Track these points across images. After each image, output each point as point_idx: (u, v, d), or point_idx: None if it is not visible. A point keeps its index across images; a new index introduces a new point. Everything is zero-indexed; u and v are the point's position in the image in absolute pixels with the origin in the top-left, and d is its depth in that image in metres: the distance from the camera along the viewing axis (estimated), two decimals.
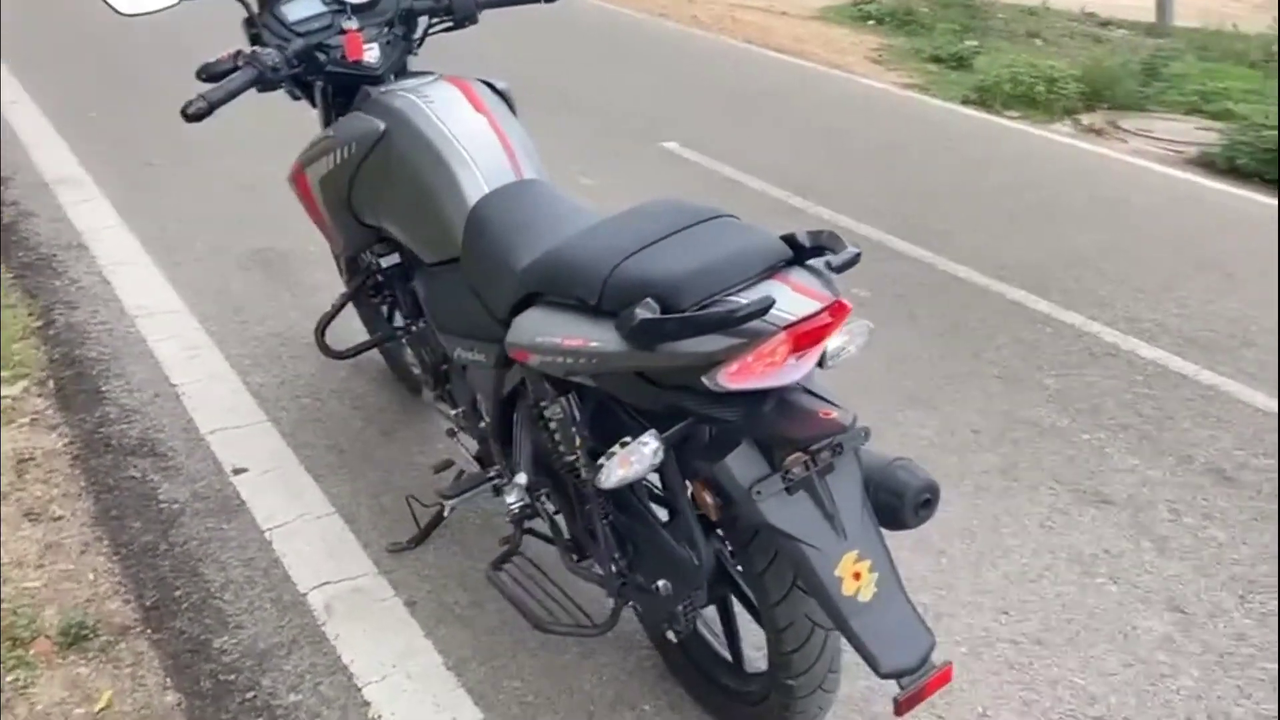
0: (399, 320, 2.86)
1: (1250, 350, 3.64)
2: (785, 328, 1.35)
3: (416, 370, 2.37)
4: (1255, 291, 4.15)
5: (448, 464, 2.33)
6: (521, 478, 1.88)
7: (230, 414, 2.91)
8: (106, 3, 2.07)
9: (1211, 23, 10.53)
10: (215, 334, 3.31)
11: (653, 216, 1.63)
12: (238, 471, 2.67)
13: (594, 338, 1.51)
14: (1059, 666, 2.20)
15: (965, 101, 7.53)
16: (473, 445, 2.33)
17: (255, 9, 2.27)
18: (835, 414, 1.42)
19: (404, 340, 2.43)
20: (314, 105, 2.47)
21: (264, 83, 2.15)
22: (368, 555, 2.41)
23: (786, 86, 7.49)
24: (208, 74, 2.23)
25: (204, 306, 3.48)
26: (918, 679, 1.47)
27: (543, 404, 1.81)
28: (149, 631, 2.21)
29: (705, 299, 1.43)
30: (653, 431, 1.51)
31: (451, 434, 2.39)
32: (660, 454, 1.51)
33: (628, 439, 1.52)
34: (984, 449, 2.95)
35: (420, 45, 2.44)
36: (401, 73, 2.38)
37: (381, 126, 2.07)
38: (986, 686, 2.13)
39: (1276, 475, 2.86)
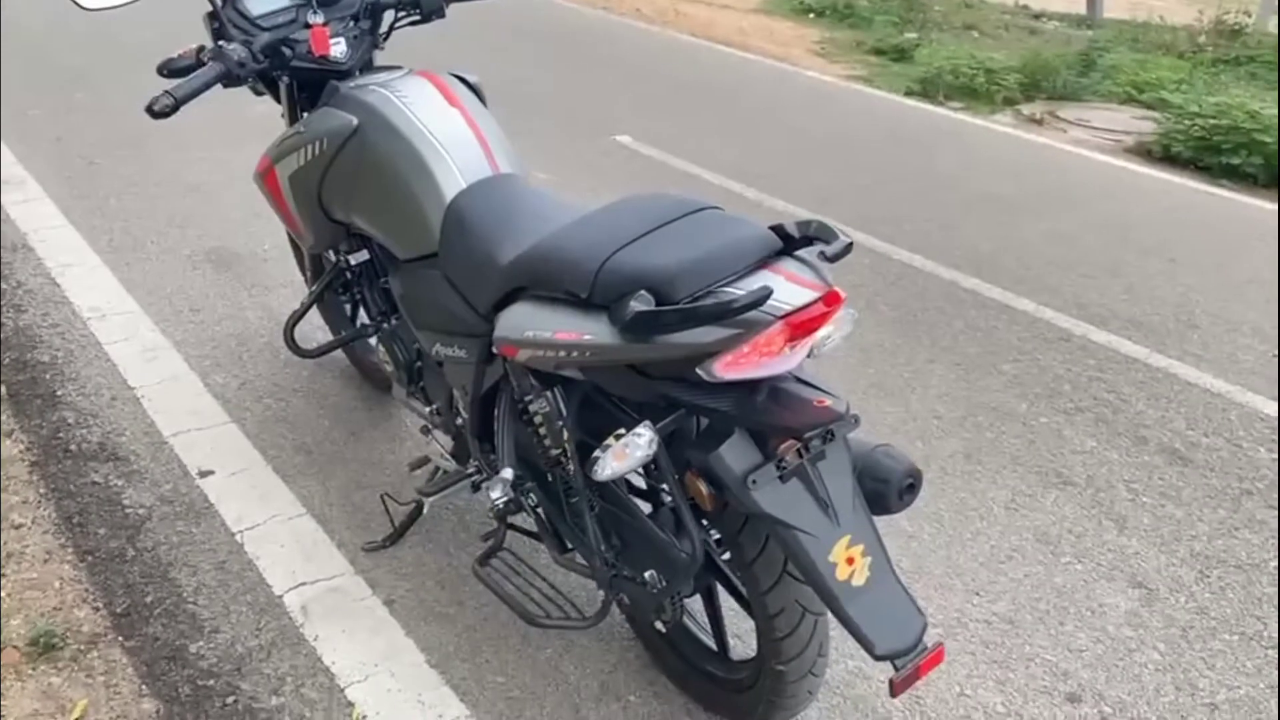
0: (365, 318, 2.86)
1: (1195, 333, 3.74)
2: (782, 317, 1.36)
3: (389, 368, 2.35)
4: (1195, 276, 4.28)
5: (423, 461, 2.32)
6: (508, 472, 1.87)
7: (193, 416, 2.86)
8: None
9: (1139, 15, 10.81)
10: (172, 335, 3.25)
11: (639, 210, 1.64)
12: (204, 474, 2.62)
13: (587, 331, 1.52)
14: (1031, 644, 2.25)
15: (908, 93, 7.64)
16: (447, 442, 2.32)
17: (219, 3, 2.23)
18: (829, 402, 1.44)
19: (374, 338, 2.41)
20: (278, 101, 2.44)
21: (229, 78, 2.12)
22: (343, 555, 2.39)
23: (734, 79, 7.53)
24: (169, 70, 2.20)
25: (159, 307, 3.41)
26: (911, 660, 1.50)
27: (527, 399, 1.81)
28: (121, 639, 2.17)
29: (699, 291, 1.44)
30: (646, 423, 1.52)
31: (425, 431, 2.37)
32: (654, 445, 1.52)
33: (622, 431, 1.53)
34: (947, 434, 3.00)
35: (386, 39, 2.42)
36: (367, 68, 2.36)
37: (354, 122, 2.05)
38: (962, 666, 2.18)
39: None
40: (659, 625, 1.91)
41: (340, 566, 2.35)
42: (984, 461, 2.88)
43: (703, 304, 1.39)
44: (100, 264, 3.68)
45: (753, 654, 1.97)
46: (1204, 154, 6.10)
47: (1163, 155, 6.30)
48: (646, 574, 1.78)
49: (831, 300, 1.39)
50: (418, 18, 2.40)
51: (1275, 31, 10.08)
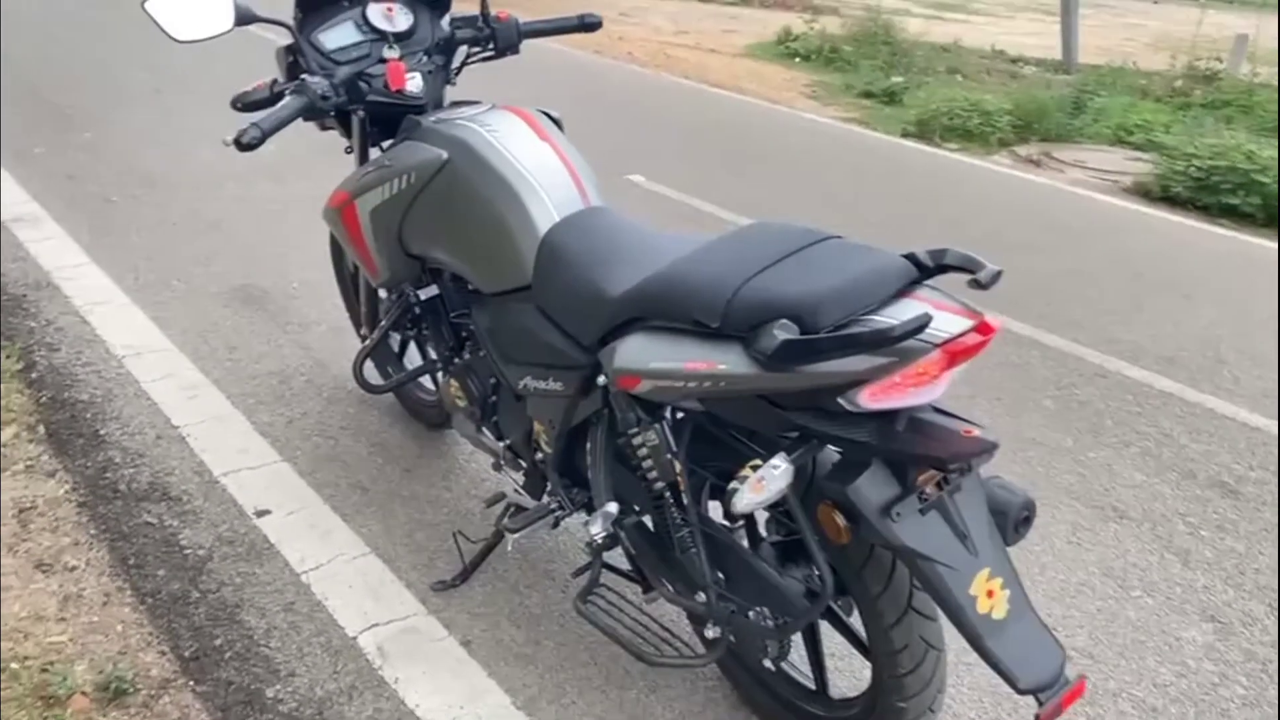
0: (414, 355, 2.83)
1: (1224, 368, 3.78)
2: (939, 345, 1.36)
3: (460, 403, 2.31)
4: (1213, 312, 4.34)
5: (499, 497, 2.28)
6: (612, 507, 1.84)
7: (242, 455, 2.80)
8: (161, 28, 2.00)
9: (1113, 60, 11.05)
10: (210, 373, 3.20)
11: (762, 239, 1.63)
12: (261, 514, 2.57)
13: (720, 361, 1.50)
14: (1115, 679, 2.23)
15: (905, 134, 7.74)
16: (518, 477, 2.29)
17: (298, 37, 2.22)
18: (977, 432, 1.43)
19: (446, 373, 2.37)
20: (346, 136, 2.42)
21: (311, 111, 2.10)
22: (413, 595, 2.34)
23: (736, 121, 7.60)
24: (243, 103, 2.19)
25: (194, 345, 3.36)
26: (1055, 694, 1.48)
27: (631, 431, 1.79)
28: (192, 683, 2.11)
29: (842, 319, 1.43)
30: (781, 454, 1.50)
31: (498, 467, 2.34)
32: (789, 476, 1.51)
33: (757, 462, 1.51)
34: (1000, 469, 2.99)
35: (458, 75, 2.42)
36: (437, 104, 2.35)
37: (444, 155, 2.03)
38: None
39: (1277, 486, 2.96)
40: (767, 663, 1.88)
41: (412, 606, 2.30)
42: (1040, 495, 2.85)
43: (859, 331, 1.38)
44: (129, 302, 3.62)
45: (853, 693, 1.95)
46: (1202, 194, 6.22)
47: (1161, 195, 6.40)
48: (757, 610, 1.75)
49: (984, 329, 1.38)
50: (491, 53, 2.40)
51: (1244, 77, 10.31)
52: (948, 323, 1.36)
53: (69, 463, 2.76)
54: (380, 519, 2.59)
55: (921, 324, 1.33)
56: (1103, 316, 4.19)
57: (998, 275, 1.42)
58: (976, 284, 1.42)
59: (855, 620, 1.79)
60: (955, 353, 1.36)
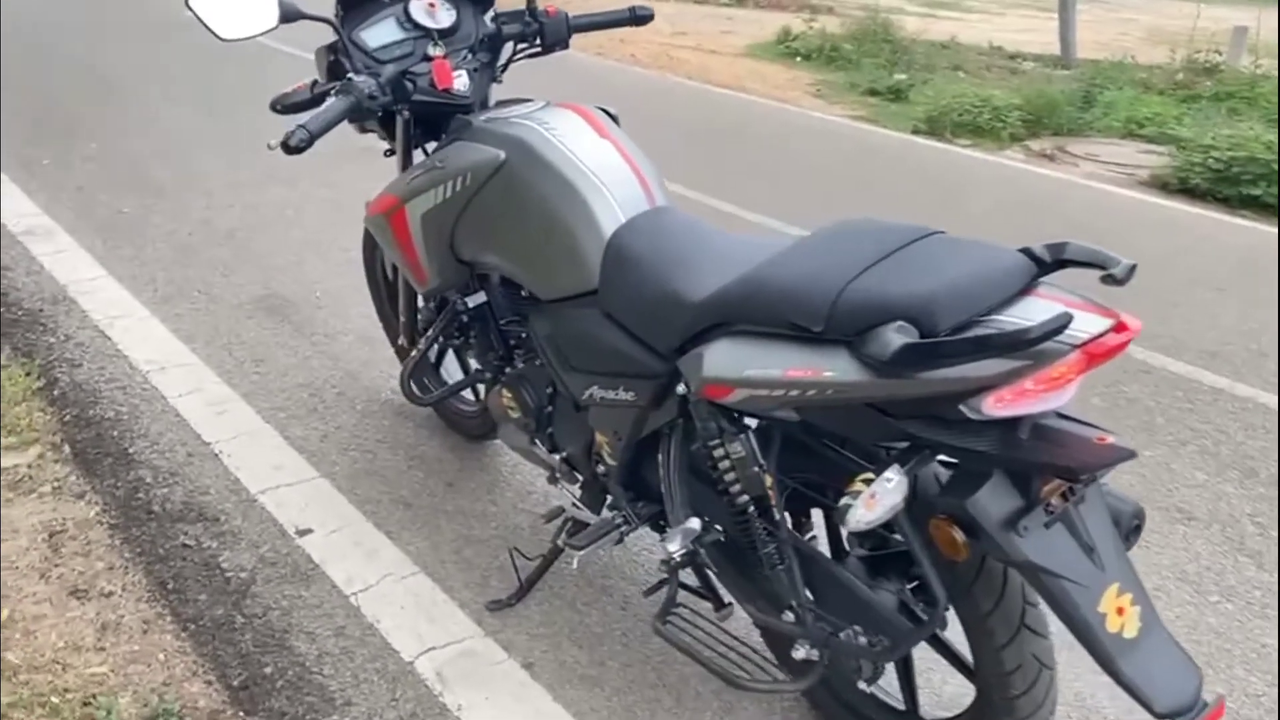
0: (465, 363, 2.74)
1: (1269, 361, 3.70)
2: (1079, 346, 1.26)
3: (513, 414, 2.22)
4: (1248, 305, 4.25)
5: (558, 512, 2.18)
6: (694, 523, 1.75)
7: (278, 471, 2.70)
8: (207, 27, 1.91)
9: (1111, 55, 11.00)
10: (238, 387, 3.10)
11: (858, 236, 1.54)
12: (302, 533, 2.47)
13: (826, 367, 1.40)
14: (1207, 691, 2.14)
15: (915, 131, 7.66)
16: (577, 491, 2.19)
17: (342, 36, 2.13)
18: (1111, 439, 1.34)
19: (497, 383, 2.27)
20: (386, 138, 2.33)
21: (358, 111, 2.01)
22: (467, 615, 2.24)
23: (745, 120, 7.51)
24: (283, 105, 2.10)
25: (219, 358, 3.26)
26: (1194, 717, 1.39)
27: (712, 443, 1.70)
28: (243, 714, 2.01)
29: (964, 320, 1.34)
30: (895, 467, 1.41)
31: (553, 480, 2.25)
32: (904, 491, 1.41)
33: (869, 475, 1.41)
34: None
35: (504, 72, 2.32)
36: (484, 103, 2.26)
37: (501, 155, 1.94)
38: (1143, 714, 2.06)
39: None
40: (862, 685, 1.78)
41: (467, 628, 2.20)
42: None
43: (990, 333, 1.29)
44: (149, 315, 3.52)
45: (945, 712, 1.86)
46: (1222, 185, 6.15)
47: (1180, 187, 6.33)
48: (851, 629, 1.66)
49: (1122, 328, 1.29)
50: (539, 49, 2.31)
51: (1245, 69, 10.27)
52: (1085, 322, 1.27)
53: (98, 483, 2.65)
54: (427, 536, 2.49)
55: (1062, 324, 1.24)
56: (1139, 310, 4.05)
57: (1133, 270, 1.33)
58: (1112, 280, 1.33)
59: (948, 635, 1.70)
60: (1095, 354, 1.27)
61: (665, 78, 8.92)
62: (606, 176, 1.90)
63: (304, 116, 1.94)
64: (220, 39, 1.92)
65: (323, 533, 2.48)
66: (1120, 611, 1.40)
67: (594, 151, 1.93)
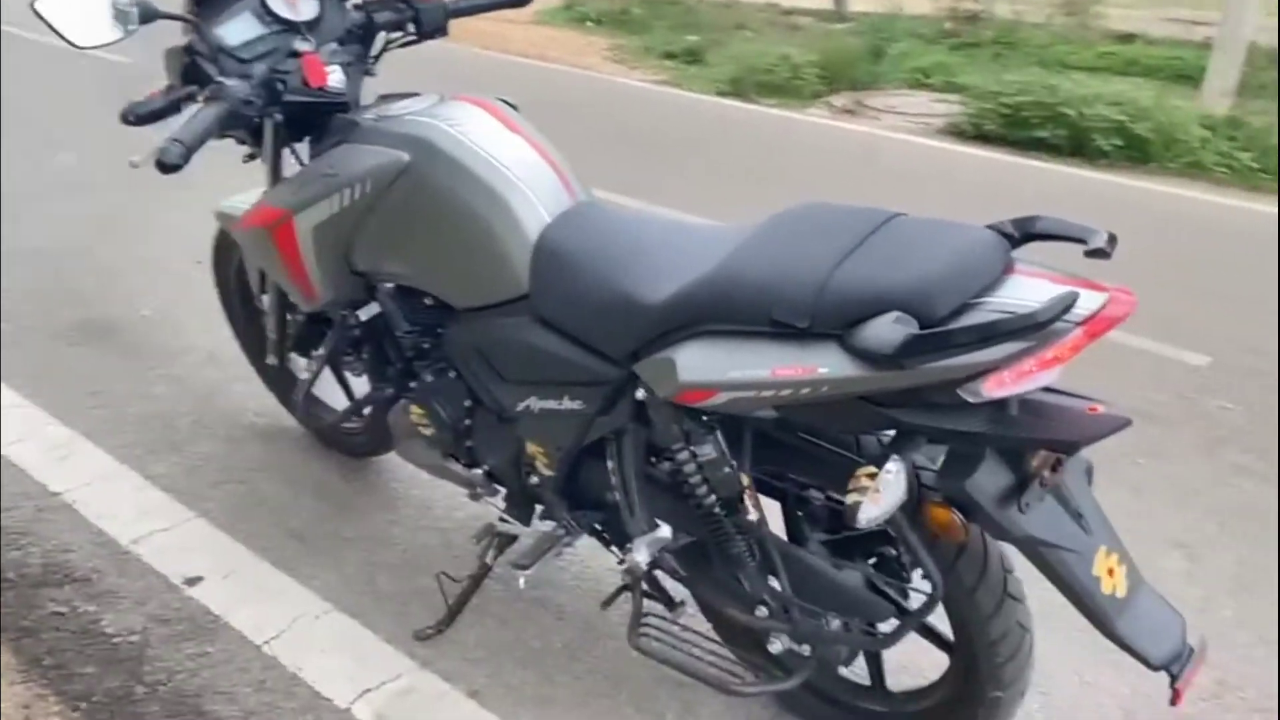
0: (343, 379, 2.55)
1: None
2: (1080, 324, 1.27)
3: (426, 430, 2.07)
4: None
5: (490, 530, 2.07)
6: (665, 530, 1.69)
7: (147, 517, 2.45)
8: (58, 33, 1.66)
9: (881, 6, 11.49)
10: (78, 426, 2.78)
11: (821, 224, 1.50)
12: (192, 581, 2.25)
13: (819, 363, 1.36)
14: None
15: (721, 93, 7.76)
16: (501, 504, 2.09)
17: (197, 35, 1.90)
18: (1102, 408, 1.36)
19: (405, 398, 2.12)
20: (249, 143, 2.11)
21: (233, 119, 1.81)
22: (397, 649, 2.10)
23: (558, 89, 7.39)
24: (136, 116, 1.85)
25: (48, 396, 2.92)
26: (1186, 665, 1.45)
27: (675, 447, 1.63)
28: None
29: (958, 305, 1.32)
30: (895, 458, 1.39)
31: (476, 497, 2.12)
32: (904, 480, 1.39)
33: (873, 470, 1.38)
34: None
35: (376, 64, 2.15)
36: (356, 101, 2.08)
37: (405, 158, 1.78)
38: None
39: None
40: (841, 669, 1.77)
41: (400, 663, 2.06)
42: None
43: (998, 318, 1.27)
44: None
45: (919, 684, 1.88)
46: (1013, 129, 6.52)
47: (975, 134, 6.68)
48: (830, 619, 1.64)
49: (1126, 295, 1.30)
50: (414, 38, 2.14)
51: (1003, 16, 10.93)
52: (1083, 298, 1.27)
53: None
54: (331, 568, 2.32)
55: (1069, 303, 1.24)
56: None
57: (1114, 240, 1.34)
58: (1099, 253, 1.34)
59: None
60: (1096, 330, 1.27)
61: (467, 49, 8.64)
62: (524, 173, 1.79)
63: (167, 127, 1.73)
64: (75, 47, 1.68)
65: (215, 579, 2.26)
66: (1111, 573, 1.43)
67: (507, 147, 1.81)
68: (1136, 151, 6.20)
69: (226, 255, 2.61)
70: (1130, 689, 2.05)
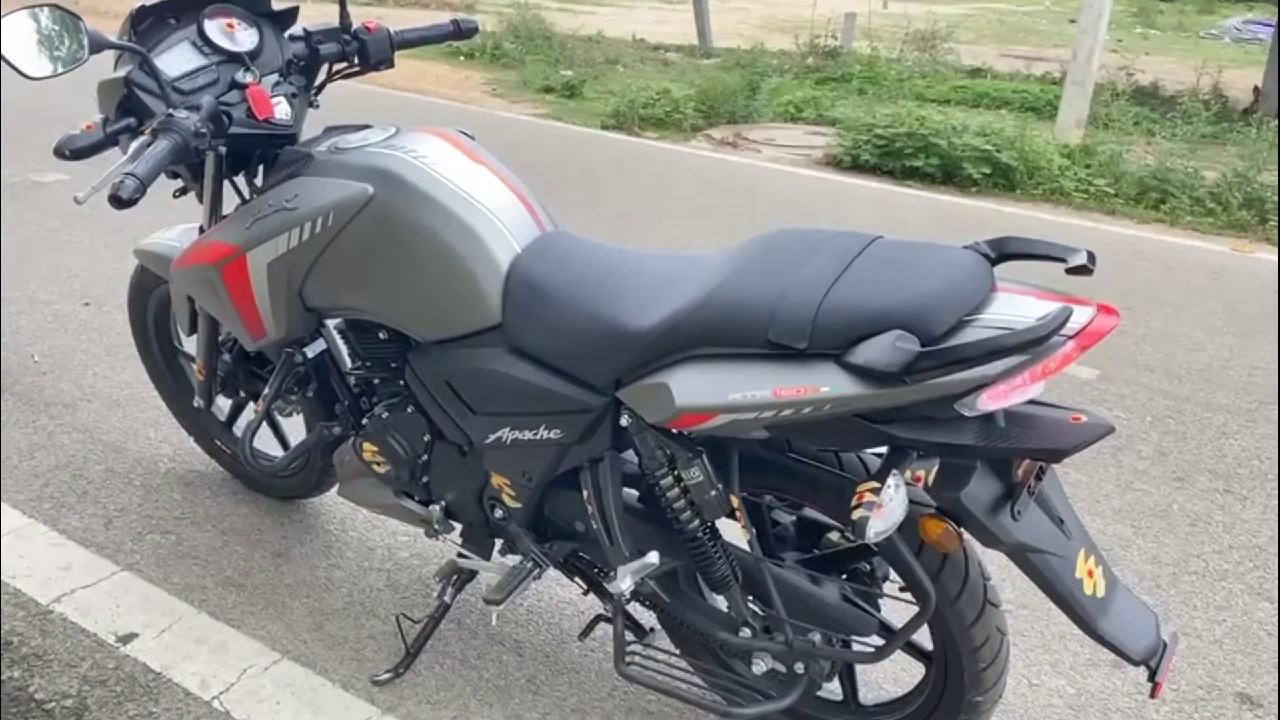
0: (274, 419, 2.47)
1: None
2: (1074, 336, 1.33)
3: (379, 468, 2.02)
4: None
5: (453, 566, 2.03)
6: (653, 556, 1.68)
7: (66, 573, 2.31)
8: (13, 66, 1.56)
9: (743, 43, 11.85)
10: None
11: (805, 247, 1.53)
12: (125, 639, 2.13)
13: (820, 383, 1.39)
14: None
15: (604, 126, 7.82)
16: (459, 540, 2.06)
17: (138, 67, 1.82)
18: (1085, 417, 1.42)
19: (357, 435, 2.05)
20: (188, 177, 2.03)
21: (184, 153, 1.74)
22: (355, 695, 2.03)
23: (441, 123, 7.29)
24: (72, 150, 1.77)
25: None
26: (1163, 658, 1.52)
27: (658, 472, 1.64)
28: None
29: (954, 323, 1.37)
30: (894, 473, 1.43)
31: (433, 534, 2.08)
32: (905, 494, 1.43)
33: (875, 484, 1.42)
34: None
35: (318, 94, 2.10)
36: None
37: (369, 190, 1.75)
38: None
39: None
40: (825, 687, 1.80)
41: (362, 710, 2.00)
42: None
43: (1000, 334, 1.32)
44: None
45: (889, 696, 1.92)
46: (887, 159, 6.77)
47: (852, 164, 6.91)
48: (815, 635, 1.68)
49: (1110, 310, 1.37)
50: (357, 70, 2.11)
51: (861, 53, 11.42)
52: (1075, 313, 1.34)
53: None
54: (275, 616, 2.23)
55: (1065, 318, 1.30)
56: None
57: (1092, 257, 1.42)
58: (1081, 270, 1.41)
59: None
60: (1086, 343, 1.34)
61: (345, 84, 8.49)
62: (492, 204, 1.77)
63: (105, 162, 1.67)
64: (29, 78, 1.59)
65: (151, 634, 2.15)
66: (1090, 574, 1.51)
67: (473, 178, 1.79)
68: (1003, 179, 6.52)
69: (143, 295, 2.50)
70: (1076, 689, 2.14)
